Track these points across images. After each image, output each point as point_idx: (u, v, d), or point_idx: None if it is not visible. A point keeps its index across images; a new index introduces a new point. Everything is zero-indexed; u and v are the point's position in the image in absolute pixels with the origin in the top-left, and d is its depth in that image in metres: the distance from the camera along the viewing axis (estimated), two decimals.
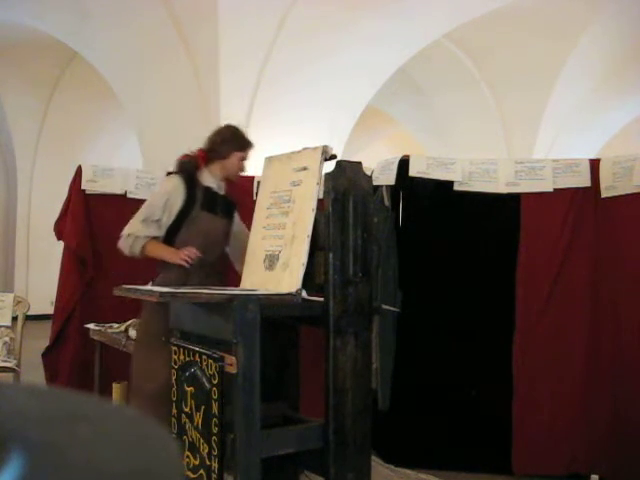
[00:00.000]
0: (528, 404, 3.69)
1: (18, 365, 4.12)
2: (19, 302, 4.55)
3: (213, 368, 2.31)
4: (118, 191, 4.54)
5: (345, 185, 2.50)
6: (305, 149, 2.73)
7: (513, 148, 8.97)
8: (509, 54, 8.40)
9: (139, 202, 4.44)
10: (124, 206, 4.51)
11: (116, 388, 3.87)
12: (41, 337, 5.04)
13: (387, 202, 3.93)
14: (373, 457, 2.87)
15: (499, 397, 3.73)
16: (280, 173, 2.83)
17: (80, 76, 9.73)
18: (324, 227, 2.51)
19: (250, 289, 2.70)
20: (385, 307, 3.31)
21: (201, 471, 2.36)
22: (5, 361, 4.08)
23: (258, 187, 3.10)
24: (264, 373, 2.36)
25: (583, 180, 3.71)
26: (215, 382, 2.30)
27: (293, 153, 2.84)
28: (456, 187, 3.85)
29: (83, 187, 4.46)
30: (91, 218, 4.47)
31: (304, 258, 2.50)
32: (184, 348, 2.54)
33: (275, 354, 2.71)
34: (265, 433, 2.36)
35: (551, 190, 3.76)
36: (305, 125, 6.79)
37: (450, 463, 3.71)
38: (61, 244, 4.56)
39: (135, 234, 3.11)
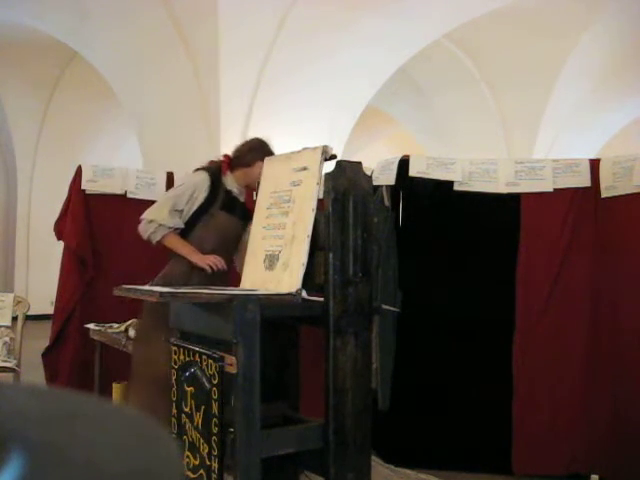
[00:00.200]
0: (528, 404, 3.69)
1: (18, 365, 4.12)
2: (19, 302, 4.55)
3: (213, 368, 2.31)
4: (118, 191, 4.54)
5: (345, 185, 2.50)
6: (305, 149, 2.73)
7: (513, 148, 8.97)
8: (509, 54, 8.40)
9: (139, 202, 4.48)
10: (124, 206, 4.52)
11: (116, 388, 3.87)
12: (41, 337, 5.04)
13: (387, 202, 3.93)
14: (373, 457, 2.87)
15: (499, 397, 3.73)
16: (280, 173, 2.83)
17: (80, 76, 9.73)
18: (324, 227, 2.50)
19: (250, 289, 2.70)
20: (385, 307, 3.31)
21: (201, 471, 2.36)
22: (5, 361, 4.08)
23: (258, 187, 3.10)
24: (264, 373, 2.36)
25: (583, 180, 3.71)
26: (215, 382, 2.30)
27: (293, 153, 2.83)
28: (456, 187, 3.85)
29: (83, 187, 4.46)
30: (91, 218, 4.47)
31: (304, 258, 2.50)
32: (184, 348, 2.54)
33: (275, 354, 2.71)
34: (265, 433, 2.36)
35: (551, 190, 3.76)
36: (305, 125, 6.79)
37: (450, 463, 3.71)
38: (61, 244, 4.56)
39: (159, 222, 3.16)
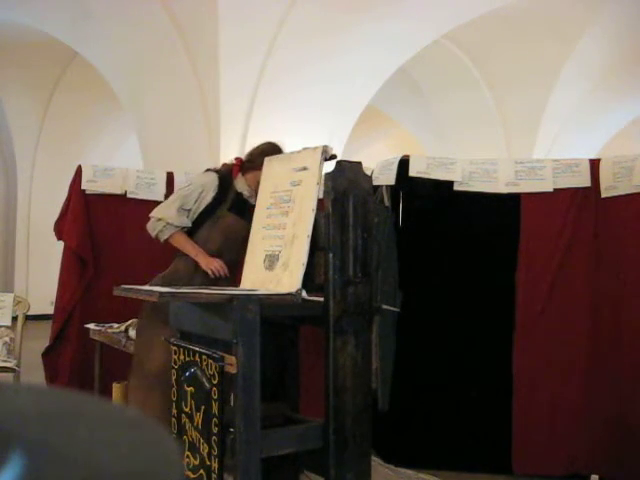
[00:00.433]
0: (528, 404, 3.69)
1: (18, 365, 4.12)
2: (19, 302, 4.55)
3: (213, 368, 2.31)
4: (118, 191, 4.54)
5: (345, 185, 2.50)
6: (305, 149, 2.73)
7: (513, 148, 8.97)
8: (509, 54, 8.40)
9: (139, 202, 4.49)
10: (124, 206, 4.52)
11: (116, 388, 3.87)
12: (41, 337, 5.04)
13: (387, 202, 3.93)
14: (373, 457, 2.87)
15: (499, 397, 3.73)
16: (280, 173, 2.83)
17: (80, 76, 9.73)
18: (324, 227, 2.50)
19: (250, 289, 2.70)
20: (385, 307, 3.31)
21: (201, 471, 2.36)
22: (5, 361, 4.08)
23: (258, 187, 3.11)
24: (264, 373, 2.36)
25: (583, 180, 3.71)
26: (215, 382, 2.30)
27: (293, 153, 2.84)
28: (456, 187, 3.85)
29: (83, 187, 4.46)
30: (91, 218, 4.47)
31: (304, 258, 2.50)
32: (184, 348, 2.54)
33: (275, 354, 2.71)
34: (265, 433, 2.36)
35: (551, 190, 3.76)
36: (305, 125, 6.79)
37: (450, 463, 3.70)
38: (61, 244, 4.56)
39: (167, 221, 3.22)
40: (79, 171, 4.50)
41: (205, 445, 2.34)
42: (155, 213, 3.27)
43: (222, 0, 6.17)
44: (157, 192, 4.54)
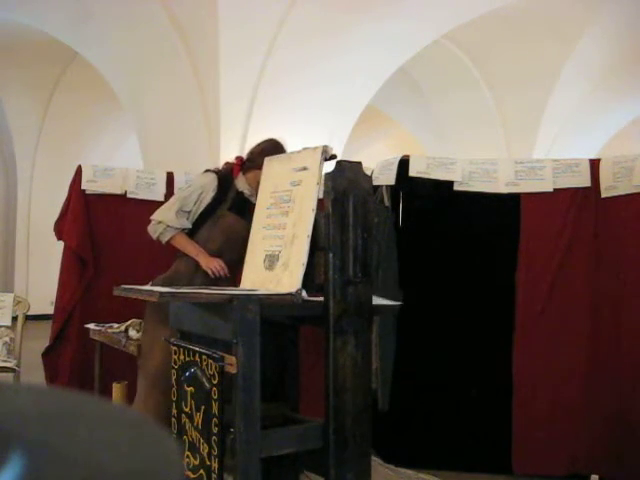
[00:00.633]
0: (528, 404, 3.69)
1: (18, 365, 4.12)
2: (19, 302, 4.55)
3: (213, 368, 2.31)
4: (118, 191, 4.54)
5: (345, 185, 2.50)
6: (305, 149, 2.73)
7: (513, 148, 8.97)
8: (509, 54, 8.40)
9: (139, 202, 4.49)
10: (124, 206, 4.52)
11: (116, 388, 3.87)
12: (41, 337, 5.04)
13: (387, 202, 3.93)
14: (373, 457, 2.87)
15: (499, 397, 3.73)
16: (280, 173, 2.83)
17: (80, 76, 9.73)
18: (324, 227, 2.50)
19: (250, 289, 2.70)
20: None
21: (201, 471, 2.36)
22: (5, 361, 4.08)
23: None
24: (264, 373, 2.36)
25: (583, 180, 3.71)
26: (215, 382, 2.30)
27: (293, 153, 2.84)
28: (456, 187, 3.85)
29: (83, 187, 4.46)
30: (91, 218, 4.47)
31: (304, 258, 2.50)
32: (184, 348, 2.54)
33: (275, 354, 2.71)
34: (265, 433, 2.36)
35: (551, 190, 3.76)
36: (305, 125, 6.79)
37: (450, 463, 3.70)
38: (61, 244, 4.56)
39: (167, 223, 3.25)
40: (79, 171, 4.51)
41: (205, 445, 2.34)
42: (155, 216, 3.30)
43: (222, 0, 6.17)
44: (157, 192, 4.54)
